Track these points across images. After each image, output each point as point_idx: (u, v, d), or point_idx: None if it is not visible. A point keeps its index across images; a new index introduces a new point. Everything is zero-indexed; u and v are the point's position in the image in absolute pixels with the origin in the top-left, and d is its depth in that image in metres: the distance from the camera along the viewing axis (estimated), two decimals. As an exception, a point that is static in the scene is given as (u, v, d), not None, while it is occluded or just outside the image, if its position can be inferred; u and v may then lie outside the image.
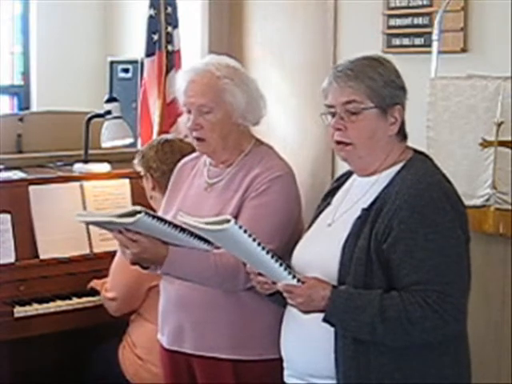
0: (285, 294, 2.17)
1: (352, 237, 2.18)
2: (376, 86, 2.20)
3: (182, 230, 2.35)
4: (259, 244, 2.11)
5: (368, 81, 2.20)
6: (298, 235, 2.49)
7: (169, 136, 3.43)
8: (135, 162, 3.33)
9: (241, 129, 2.66)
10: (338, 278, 2.17)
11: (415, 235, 2.09)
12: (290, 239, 2.49)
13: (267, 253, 2.12)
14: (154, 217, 2.30)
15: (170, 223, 2.34)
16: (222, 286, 2.52)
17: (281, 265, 2.13)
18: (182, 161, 2.86)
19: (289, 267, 2.16)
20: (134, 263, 2.45)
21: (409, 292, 2.06)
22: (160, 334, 2.77)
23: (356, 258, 2.14)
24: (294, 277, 2.14)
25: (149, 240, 2.38)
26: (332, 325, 2.12)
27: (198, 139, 2.63)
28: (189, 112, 2.63)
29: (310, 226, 2.42)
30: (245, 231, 2.10)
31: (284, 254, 2.36)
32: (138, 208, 2.28)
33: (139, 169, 3.31)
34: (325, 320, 2.12)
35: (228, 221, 2.09)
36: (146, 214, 2.27)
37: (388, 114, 2.22)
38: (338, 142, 2.24)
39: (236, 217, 2.53)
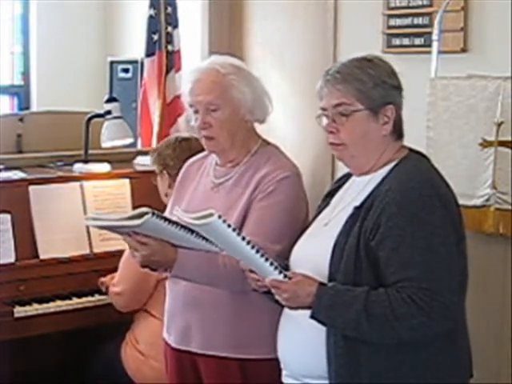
0: (272, 290, 2.18)
1: (343, 235, 2.19)
2: (365, 88, 2.20)
3: (191, 231, 2.34)
4: (244, 238, 2.12)
5: (356, 83, 2.20)
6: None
7: (184, 134, 3.42)
8: (150, 160, 3.32)
9: (248, 126, 2.67)
10: (328, 275, 2.17)
11: (403, 232, 2.09)
12: (298, 239, 2.49)
13: (252, 247, 2.12)
14: (162, 218, 2.30)
15: (177, 224, 2.33)
16: (232, 287, 2.52)
17: (266, 260, 2.14)
18: (189, 161, 2.87)
19: (279, 265, 2.17)
20: (143, 266, 2.46)
21: (395, 289, 2.06)
22: (166, 333, 2.76)
23: (346, 255, 2.15)
24: (280, 272, 2.15)
25: (158, 243, 2.38)
26: (319, 321, 2.13)
27: (207, 138, 2.64)
28: (196, 112, 2.63)
29: (309, 225, 2.42)
30: (228, 225, 2.10)
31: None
32: (146, 209, 2.28)
33: (154, 167, 3.31)
34: (312, 317, 2.12)
35: (212, 215, 2.10)
36: (154, 214, 2.27)
37: (379, 115, 2.22)
38: (332, 144, 2.27)
39: (244, 217, 2.54)
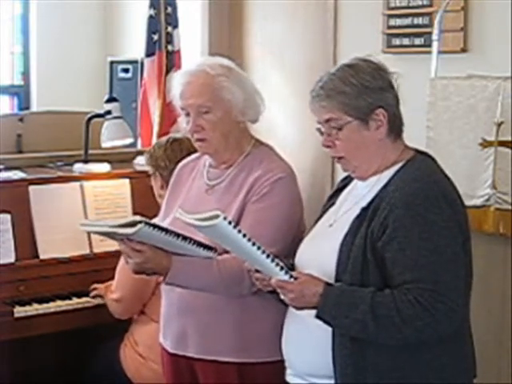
0: (277, 290, 2.18)
1: (349, 235, 2.19)
2: (349, 100, 2.19)
3: (184, 238, 2.34)
4: (249, 240, 2.12)
5: (339, 97, 2.19)
6: (300, 236, 2.49)
7: (177, 135, 3.42)
8: (143, 161, 3.32)
9: (241, 127, 2.65)
10: (335, 276, 2.17)
11: (409, 233, 2.09)
12: (293, 240, 2.49)
13: (258, 248, 2.13)
14: (154, 226, 2.29)
15: (171, 232, 2.33)
16: (228, 293, 2.51)
17: (272, 260, 2.14)
18: (181, 162, 2.85)
19: (284, 264, 2.17)
20: (136, 273, 2.43)
21: (401, 290, 2.06)
22: (163, 338, 2.75)
23: (353, 256, 2.15)
24: (286, 273, 2.15)
25: (152, 250, 2.36)
26: (325, 321, 2.13)
27: (200, 140, 2.62)
28: (187, 115, 2.61)
29: (313, 225, 2.42)
30: (234, 227, 2.11)
31: (288, 255, 2.37)
32: (138, 218, 2.27)
33: (147, 168, 3.31)
34: (318, 317, 2.12)
35: (217, 216, 2.10)
36: (147, 224, 2.26)
37: (370, 121, 2.21)
38: (333, 157, 2.28)
39: (238, 220, 2.53)
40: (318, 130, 2.28)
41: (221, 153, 2.64)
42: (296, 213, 2.60)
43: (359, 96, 2.19)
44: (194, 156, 2.82)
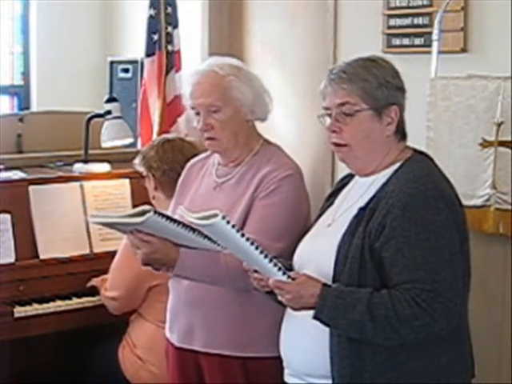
0: (275, 291, 2.18)
1: (347, 236, 2.19)
2: (369, 88, 2.20)
3: (192, 229, 2.36)
4: (248, 239, 2.12)
5: (361, 82, 2.20)
6: (306, 233, 2.50)
7: (169, 135, 3.44)
8: (136, 162, 3.33)
9: (250, 126, 2.69)
10: (333, 276, 2.17)
11: (407, 233, 2.09)
12: (300, 237, 2.50)
13: (256, 248, 2.13)
14: (163, 216, 2.32)
15: (179, 222, 2.35)
16: (234, 286, 2.54)
17: (270, 261, 2.14)
18: (191, 161, 2.88)
19: (282, 264, 2.17)
20: (145, 264, 2.47)
21: (399, 290, 2.06)
22: (169, 332, 2.78)
23: (351, 256, 2.15)
24: (284, 273, 2.15)
25: (160, 241, 2.40)
26: (322, 322, 2.13)
27: (210, 138, 2.65)
28: (197, 114, 2.65)
29: (312, 225, 2.42)
30: (233, 226, 2.11)
31: (293, 253, 2.38)
32: (147, 207, 2.30)
33: (141, 169, 3.32)
34: (315, 317, 2.12)
35: (216, 215, 2.10)
36: (156, 212, 2.29)
37: (383, 115, 2.22)
38: (335, 144, 2.26)
39: (246, 216, 2.55)
40: (323, 115, 2.27)
41: (230, 151, 2.68)
42: (303, 209, 2.63)
43: (379, 87, 2.21)
44: (203, 155, 2.86)
